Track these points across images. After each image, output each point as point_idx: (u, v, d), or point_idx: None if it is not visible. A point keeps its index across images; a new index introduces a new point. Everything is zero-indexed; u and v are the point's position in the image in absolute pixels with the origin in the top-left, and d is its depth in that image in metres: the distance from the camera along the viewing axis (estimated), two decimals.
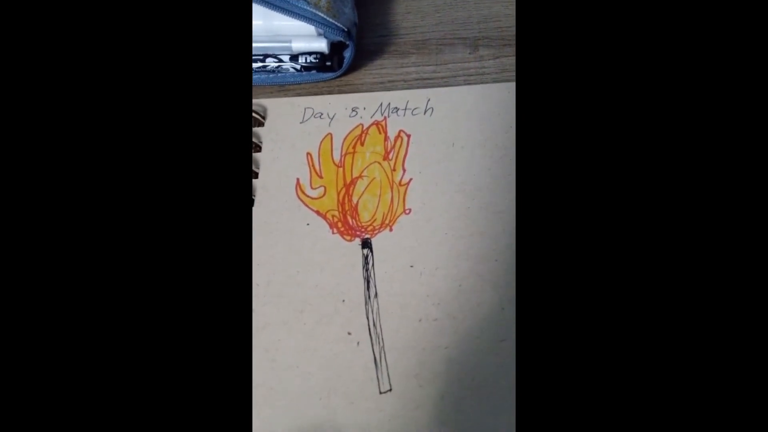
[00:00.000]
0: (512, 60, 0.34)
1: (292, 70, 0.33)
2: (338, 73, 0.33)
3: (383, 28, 0.35)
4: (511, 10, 0.35)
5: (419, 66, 0.34)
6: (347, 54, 0.33)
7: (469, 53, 0.34)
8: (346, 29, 0.32)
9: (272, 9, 0.30)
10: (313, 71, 0.33)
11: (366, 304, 0.26)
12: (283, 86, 0.34)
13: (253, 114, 0.32)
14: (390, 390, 0.24)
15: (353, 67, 0.34)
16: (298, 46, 0.32)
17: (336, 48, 0.33)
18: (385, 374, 0.25)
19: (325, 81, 0.34)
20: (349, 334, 0.26)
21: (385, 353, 0.25)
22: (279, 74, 0.33)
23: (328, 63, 0.33)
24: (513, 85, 0.31)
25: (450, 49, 0.35)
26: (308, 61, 0.33)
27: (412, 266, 0.27)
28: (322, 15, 0.31)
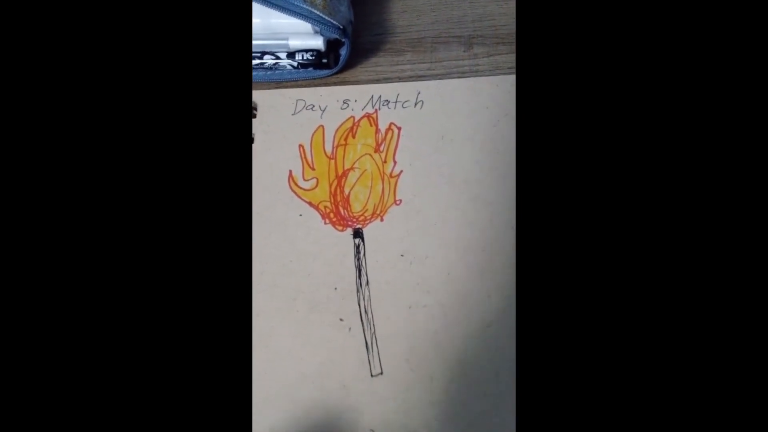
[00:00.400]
0: (506, 58, 0.34)
1: (289, 67, 0.34)
2: (334, 70, 0.34)
3: (379, 26, 0.36)
4: (506, 9, 0.36)
5: (414, 63, 0.35)
6: (343, 51, 0.34)
7: (464, 51, 0.35)
8: (341, 27, 0.33)
9: (269, 7, 0.31)
10: (310, 68, 0.34)
11: (358, 291, 0.27)
12: (280, 83, 0.34)
13: None
14: (381, 373, 0.25)
15: (349, 64, 0.34)
16: (294, 43, 0.33)
17: (332, 45, 0.34)
18: (376, 358, 0.25)
19: (321, 78, 0.34)
20: (341, 320, 0.26)
21: (376, 338, 0.25)
22: (276, 71, 0.34)
23: (325, 60, 0.34)
24: (503, 78, 0.32)
25: (445, 47, 0.35)
26: (305, 58, 0.33)
27: (402, 255, 0.27)
28: (318, 12, 0.32)
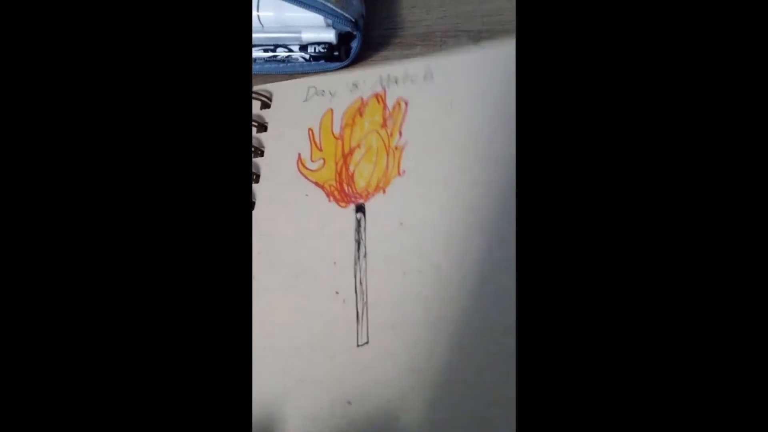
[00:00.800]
0: None
1: (301, 59, 0.35)
2: (345, 62, 0.35)
3: (389, 20, 0.37)
4: (514, 4, 0.37)
5: (424, 57, 0.35)
6: (354, 44, 0.35)
7: (473, 45, 0.35)
8: (353, 20, 0.34)
9: (284, 0, 0.33)
10: (321, 61, 0.35)
11: (355, 264, 0.26)
12: (293, 75, 0.36)
13: (261, 98, 0.34)
14: (367, 342, 0.24)
15: (360, 57, 0.35)
16: (307, 36, 0.35)
17: (344, 39, 0.35)
18: (364, 328, 0.24)
19: (332, 70, 0.35)
20: (337, 293, 0.26)
21: (367, 308, 0.25)
22: (289, 63, 0.35)
23: (336, 53, 0.35)
24: (511, 40, 0.31)
25: (454, 41, 0.36)
26: (317, 51, 0.35)
27: (401, 224, 0.27)
28: (331, 5, 0.33)
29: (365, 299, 0.25)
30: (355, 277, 0.26)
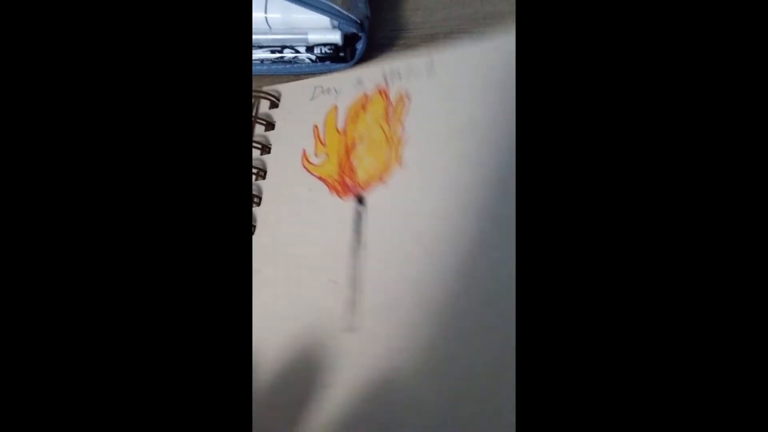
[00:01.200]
0: None
1: (307, 60, 0.36)
2: (350, 63, 0.36)
3: (393, 23, 0.38)
4: (514, 7, 0.37)
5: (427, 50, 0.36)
6: (359, 45, 0.36)
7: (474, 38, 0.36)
8: (359, 21, 0.35)
9: (290, 1, 0.34)
10: (327, 62, 0.36)
11: (354, 254, 0.27)
12: (299, 76, 0.37)
13: (269, 97, 0.35)
14: (362, 327, 0.24)
15: (364, 58, 0.36)
16: (313, 37, 0.36)
17: (349, 40, 0.36)
18: (360, 313, 0.25)
19: (338, 71, 0.36)
20: (336, 282, 0.26)
21: (363, 294, 0.25)
22: (295, 64, 0.36)
23: (341, 54, 0.36)
24: (511, 34, 0.32)
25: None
26: (323, 51, 0.36)
27: (401, 214, 0.27)
28: (337, 7, 0.34)
29: (361, 286, 0.25)
30: (353, 266, 0.26)
